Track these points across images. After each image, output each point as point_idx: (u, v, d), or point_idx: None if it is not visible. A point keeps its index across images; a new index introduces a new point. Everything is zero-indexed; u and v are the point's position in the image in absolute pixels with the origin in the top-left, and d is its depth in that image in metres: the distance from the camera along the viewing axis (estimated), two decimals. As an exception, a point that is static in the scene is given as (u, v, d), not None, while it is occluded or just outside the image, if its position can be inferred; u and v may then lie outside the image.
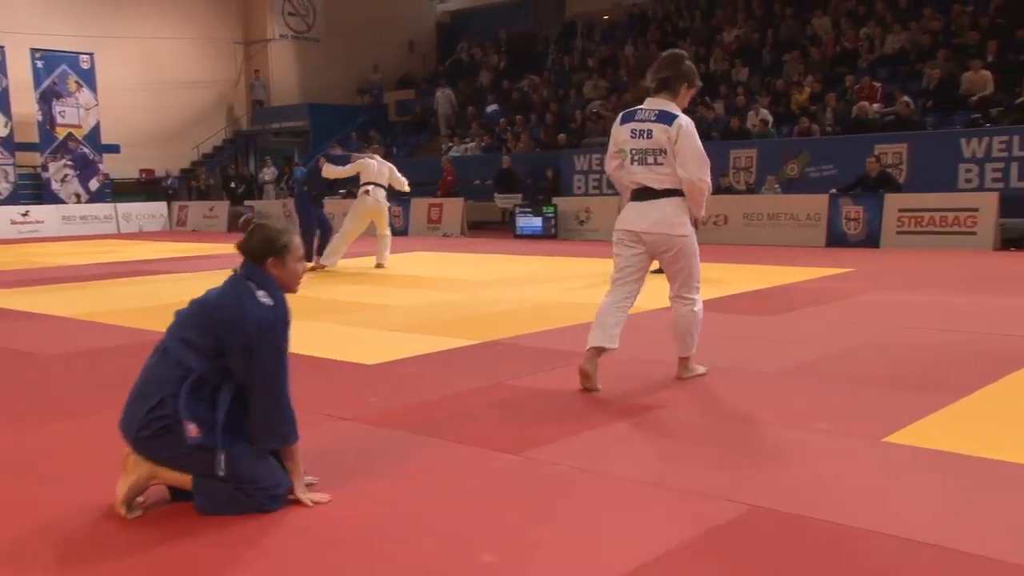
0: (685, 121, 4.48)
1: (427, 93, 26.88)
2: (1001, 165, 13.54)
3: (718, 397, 4.55)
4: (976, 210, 12.65)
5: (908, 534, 2.73)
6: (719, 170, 15.99)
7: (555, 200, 17.29)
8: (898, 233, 13.09)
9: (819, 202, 13.92)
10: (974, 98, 15.11)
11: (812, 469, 3.39)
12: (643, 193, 4.57)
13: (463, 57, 27.95)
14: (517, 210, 17.50)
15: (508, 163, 19.20)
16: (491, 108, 23.77)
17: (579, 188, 18.40)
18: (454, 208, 18.68)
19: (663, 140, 4.46)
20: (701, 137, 4.63)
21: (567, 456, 3.56)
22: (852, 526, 2.80)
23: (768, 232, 14.27)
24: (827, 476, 3.31)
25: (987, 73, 15.28)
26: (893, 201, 13.24)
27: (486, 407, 4.42)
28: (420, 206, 19.02)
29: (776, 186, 15.13)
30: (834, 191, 13.95)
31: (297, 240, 3.20)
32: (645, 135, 4.50)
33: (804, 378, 4.92)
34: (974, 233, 12.57)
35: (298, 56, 27.56)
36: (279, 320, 3.03)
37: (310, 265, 11.06)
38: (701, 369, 4.93)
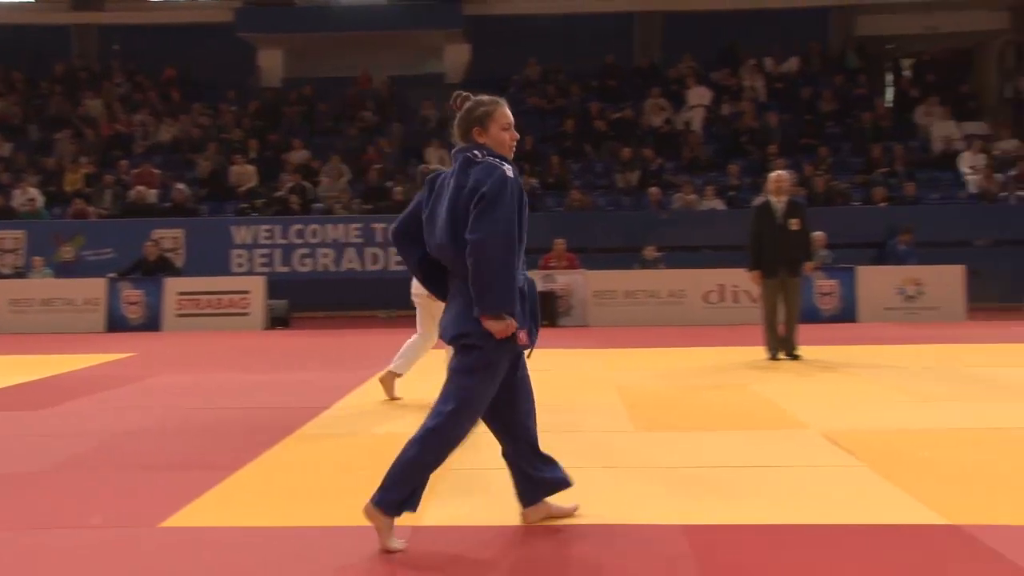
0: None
1: None
2: (267, 251, 14.88)
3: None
4: (248, 292, 13.61)
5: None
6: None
7: None
8: (178, 316, 13.35)
9: (97, 286, 13.49)
10: (242, 189, 16.39)
11: (93, 564, 3.20)
12: None
13: None
14: None
15: None
16: None
17: None
18: None
19: None
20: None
21: None
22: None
23: (42, 319, 13.29)
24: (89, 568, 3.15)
25: (251, 167, 16.74)
26: (172, 285, 13.49)
27: None
28: None
29: (46, 269, 14.22)
30: (113, 275, 13.69)
31: (503, 110, 3.26)
32: None
33: (74, 472, 4.67)
34: (247, 314, 13.47)
35: None
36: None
37: None
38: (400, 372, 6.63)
